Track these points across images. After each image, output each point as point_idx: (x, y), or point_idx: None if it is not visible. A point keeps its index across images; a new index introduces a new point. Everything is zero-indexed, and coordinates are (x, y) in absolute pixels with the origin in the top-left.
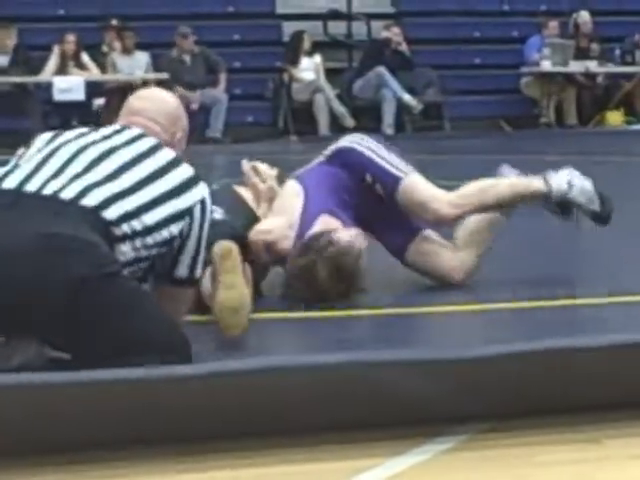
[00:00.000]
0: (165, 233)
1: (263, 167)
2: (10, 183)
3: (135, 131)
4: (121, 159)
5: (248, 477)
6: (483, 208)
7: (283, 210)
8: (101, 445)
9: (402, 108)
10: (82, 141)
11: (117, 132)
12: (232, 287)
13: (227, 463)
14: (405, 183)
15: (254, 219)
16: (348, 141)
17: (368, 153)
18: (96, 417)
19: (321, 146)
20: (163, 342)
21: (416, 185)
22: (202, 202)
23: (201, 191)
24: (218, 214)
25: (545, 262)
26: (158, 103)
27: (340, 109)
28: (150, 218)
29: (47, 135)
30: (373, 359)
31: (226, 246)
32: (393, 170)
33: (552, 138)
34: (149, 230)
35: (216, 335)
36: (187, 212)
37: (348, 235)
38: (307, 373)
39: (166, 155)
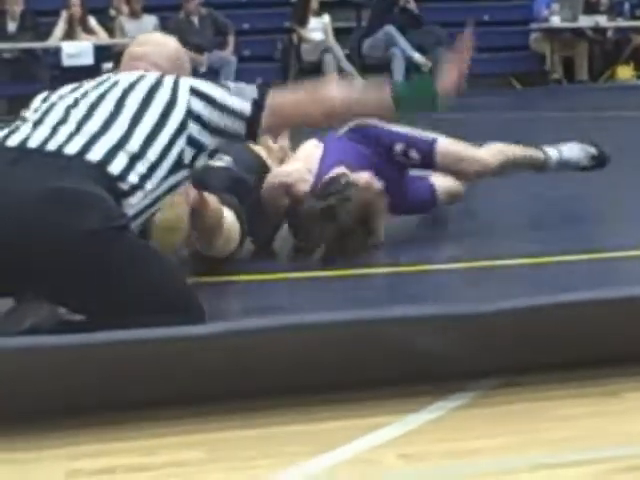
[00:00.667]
0: (174, 153)
1: None
2: (12, 141)
3: (134, 74)
4: (111, 101)
5: (261, 436)
6: (512, 163)
7: (302, 157)
8: (115, 407)
9: (411, 66)
10: (76, 93)
11: (110, 77)
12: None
13: (239, 423)
14: (440, 144)
15: (265, 172)
16: (364, 121)
17: (390, 127)
18: (112, 379)
19: None
20: (174, 300)
21: (451, 144)
22: (191, 91)
23: (184, 88)
24: (223, 162)
25: (559, 220)
26: (159, 47)
27: (349, 69)
28: (152, 153)
29: (43, 94)
30: (385, 316)
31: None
32: (423, 135)
33: (562, 94)
34: (155, 166)
35: (226, 295)
36: (186, 119)
37: (366, 176)
38: (320, 331)
39: (149, 80)
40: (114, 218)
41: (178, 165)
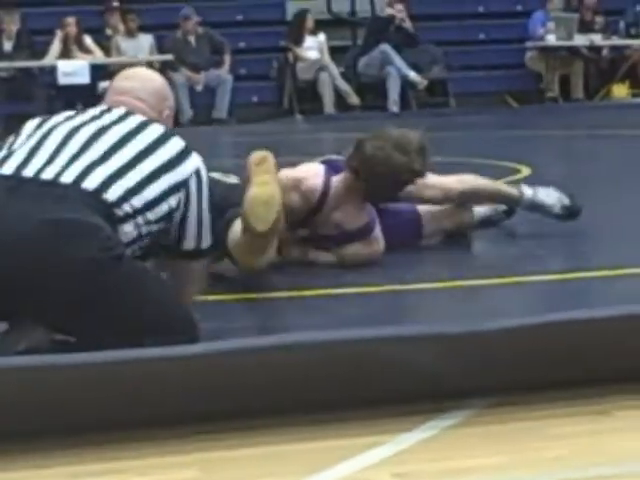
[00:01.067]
0: (164, 207)
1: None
2: (6, 169)
3: (122, 110)
4: (113, 138)
5: (256, 455)
6: (476, 194)
7: (305, 167)
8: (111, 427)
9: (407, 85)
10: (72, 123)
11: (105, 112)
12: (265, 184)
13: (232, 443)
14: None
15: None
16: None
17: None
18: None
19: (326, 125)
20: (170, 323)
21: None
22: (197, 173)
23: (194, 162)
24: (234, 179)
25: (551, 239)
26: (144, 82)
27: (345, 87)
28: (149, 193)
29: (35, 120)
30: (381, 335)
31: (261, 154)
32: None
33: (558, 112)
34: (149, 206)
35: (227, 314)
36: (182, 184)
37: None
38: (317, 350)
39: (157, 130)
40: (110, 248)
41: (168, 216)
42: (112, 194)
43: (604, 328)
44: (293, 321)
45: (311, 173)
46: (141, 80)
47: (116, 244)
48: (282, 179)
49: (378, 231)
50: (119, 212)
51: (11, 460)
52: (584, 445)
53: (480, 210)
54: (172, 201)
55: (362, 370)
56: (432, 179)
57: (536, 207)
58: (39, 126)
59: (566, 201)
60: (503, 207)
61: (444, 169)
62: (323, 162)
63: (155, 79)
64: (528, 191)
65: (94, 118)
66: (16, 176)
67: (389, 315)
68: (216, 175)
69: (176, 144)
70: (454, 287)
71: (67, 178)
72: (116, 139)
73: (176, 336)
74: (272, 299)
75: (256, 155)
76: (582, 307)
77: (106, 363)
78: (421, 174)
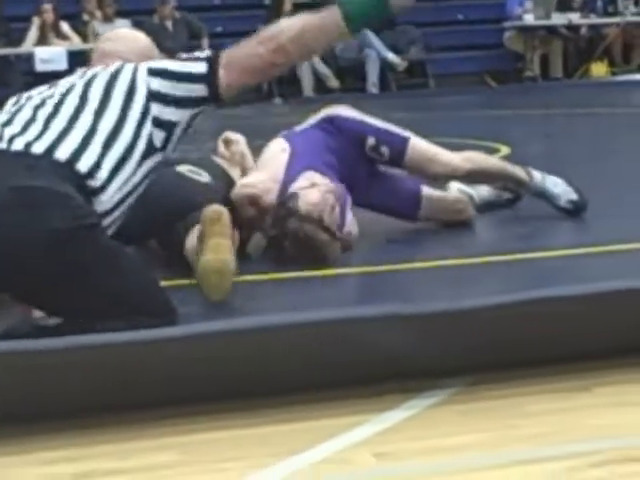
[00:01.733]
0: (143, 138)
1: (232, 135)
2: None
3: (97, 67)
4: (75, 98)
5: (235, 437)
6: (483, 173)
7: (267, 164)
8: (89, 412)
9: (386, 67)
10: (44, 94)
11: (77, 74)
12: (217, 250)
13: (210, 425)
14: (413, 141)
15: (232, 184)
16: (340, 109)
17: (366, 119)
18: (84, 384)
19: (305, 108)
20: (146, 303)
21: (423, 143)
22: (149, 71)
23: (141, 70)
24: (205, 177)
25: (523, 218)
26: (129, 43)
27: (324, 70)
28: (120, 145)
29: (14, 98)
30: (356, 315)
31: (216, 210)
32: (398, 131)
33: (537, 91)
34: (122, 161)
35: (200, 298)
36: (147, 101)
37: (314, 197)
38: (291, 332)
39: (109, 71)
40: (82, 216)
41: (150, 150)
42: (84, 163)
43: (580, 305)
44: (268, 303)
45: (267, 185)
46: (126, 41)
47: (88, 213)
48: (239, 195)
49: (349, 222)
50: (93, 183)
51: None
52: (563, 422)
53: (483, 194)
54: (147, 126)
55: (340, 350)
56: (439, 155)
57: (542, 194)
58: (16, 102)
59: (573, 196)
60: (507, 195)
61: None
62: (287, 137)
63: (139, 39)
64: (537, 176)
65: (64, 83)
66: None
67: (364, 297)
68: (185, 171)
69: (127, 71)
70: (433, 267)
71: (38, 148)
72: (77, 100)
73: (151, 317)
74: (246, 282)
75: (210, 211)
76: (559, 285)
77: (81, 347)
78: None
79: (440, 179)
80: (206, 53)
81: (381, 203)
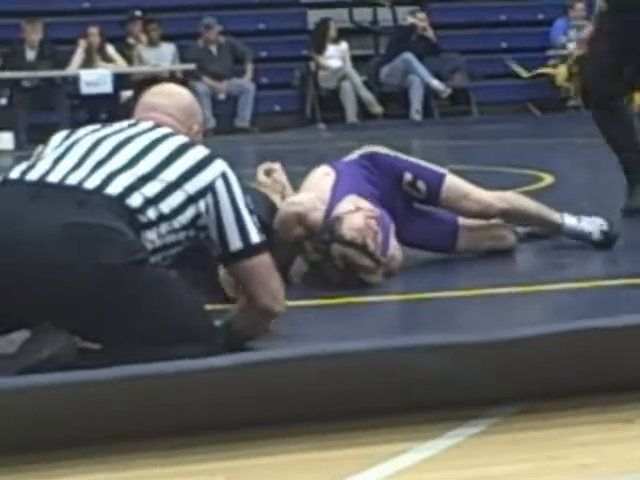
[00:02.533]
0: (189, 213)
1: (273, 164)
2: (32, 176)
3: (150, 123)
4: (138, 146)
5: (281, 462)
6: (518, 214)
7: (313, 187)
8: (133, 437)
9: (429, 94)
10: (98, 134)
11: (132, 125)
12: None
13: (257, 451)
14: (449, 177)
15: (274, 211)
16: (377, 147)
17: (402, 156)
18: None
19: (348, 134)
20: (192, 332)
21: (458, 180)
22: (223, 175)
23: (220, 166)
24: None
25: (562, 247)
26: (173, 98)
27: (367, 96)
28: (172, 200)
29: (63, 133)
30: (404, 344)
31: None
32: (435, 168)
33: (581, 120)
34: (173, 213)
35: None
36: (208, 188)
37: (358, 223)
38: (339, 360)
39: (180, 139)
40: (134, 252)
41: (193, 223)
42: (135, 200)
43: (626, 336)
44: (314, 330)
45: (315, 203)
46: (170, 96)
47: (139, 249)
48: (286, 213)
49: (393, 246)
50: (142, 218)
51: (31, 469)
52: (608, 453)
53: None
54: (199, 206)
55: (385, 379)
56: (474, 192)
57: (577, 235)
58: (66, 137)
59: (604, 226)
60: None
61: (467, 178)
62: (330, 164)
63: (184, 95)
64: (570, 220)
65: (121, 130)
66: (40, 182)
67: (409, 324)
68: None
69: (199, 151)
70: (478, 295)
71: (90, 184)
72: (140, 148)
73: (198, 345)
74: (293, 308)
75: None
76: (607, 315)
77: (130, 377)
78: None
79: (471, 216)
80: (256, 239)
81: (418, 238)
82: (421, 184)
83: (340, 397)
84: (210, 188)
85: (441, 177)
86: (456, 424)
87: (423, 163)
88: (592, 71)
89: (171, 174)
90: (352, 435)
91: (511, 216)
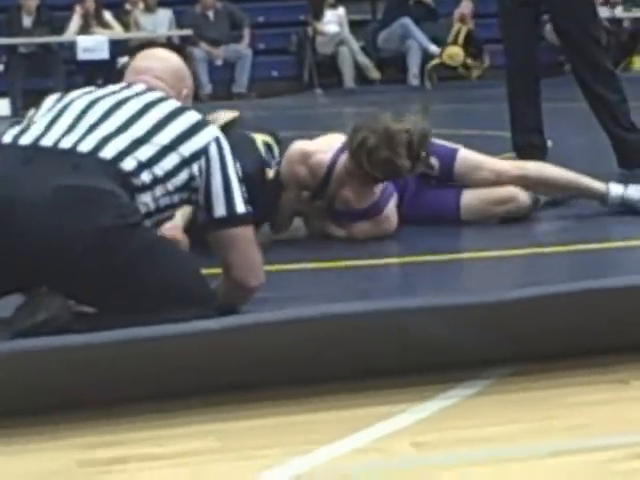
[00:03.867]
0: (183, 176)
1: None
2: (25, 140)
3: (142, 86)
4: (131, 109)
5: (272, 425)
6: (539, 181)
7: (322, 138)
8: (126, 400)
9: (427, 58)
10: (91, 96)
11: (124, 87)
12: None
13: (248, 413)
14: (461, 152)
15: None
16: None
17: None
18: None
19: (346, 99)
20: (187, 294)
21: (471, 153)
22: (217, 140)
23: (213, 131)
24: None
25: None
26: (163, 62)
27: (365, 61)
28: (166, 164)
29: (55, 95)
30: (400, 306)
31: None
32: (447, 144)
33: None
34: (167, 176)
35: None
36: (202, 152)
37: None
38: (334, 322)
39: (173, 103)
40: (128, 214)
41: (186, 186)
42: (128, 164)
43: (620, 298)
44: (310, 292)
45: (322, 147)
46: (160, 60)
47: (133, 211)
48: (293, 151)
49: (390, 209)
50: (136, 182)
51: (25, 433)
52: (603, 413)
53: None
54: (193, 169)
55: (379, 341)
56: (486, 161)
57: (625, 203)
58: (59, 100)
59: None
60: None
61: (467, 142)
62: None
63: (173, 59)
64: (616, 188)
65: (113, 92)
66: (34, 146)
67: (406, 286)
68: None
69: (192, 116)
70: (475, 258)
71: (84, 147)
72: (133, 111)
73: (192, 308)
74: (285, 271)
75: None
76: (603, 277)
77: (121, 341)
78: (406, 171)
79: (490, 186)
80: (242, 210)
81: (422, 210)
82: (434, 160)
83: (334, 359)
84: (204, 152)
85: (453, 152)
86: (451, 386)
87: (435, 140)
88: None
89: (165, 137)
90: (346, 397)
91: (532, 183)
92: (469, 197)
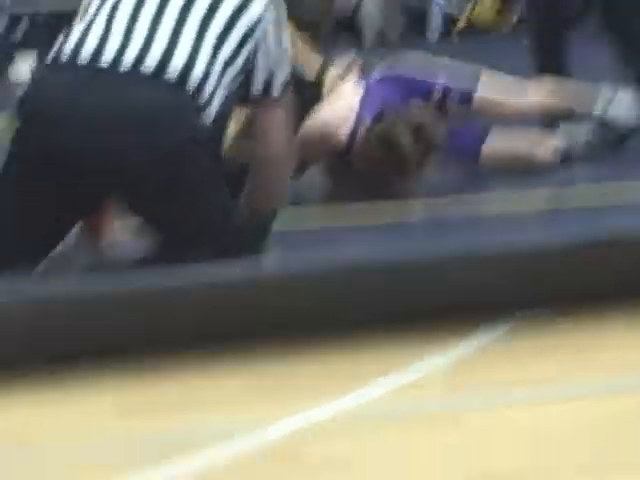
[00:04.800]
0: (239, 61)
1: None
2: (84, 56)
3: None
4: (199, 13)
5: (306, 368)
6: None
7: (338, 101)
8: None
9: (447, 18)
10: None
11: None
12: None
13: (292, 359)
14: (480, 89)
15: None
16: (401, 65)
17: (431, 68)
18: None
19: (366, 55)
20: (230, 232)
21: (491, 91)
22: (268, 10)
23: (259, 7)
24: None
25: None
26: None
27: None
28: (221, 60)
29: None
30: (431, 249)
31: None
32: (465, 78)
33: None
34: (225, 67)
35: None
36: (257, 22)
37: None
38: (362, 267)
39: None
40: (194, 131)
41: (243, 70)
42: (193, 79)
43: None
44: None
45: (337, 125)
46: None
47: (199, 129)
48: (309, 133)
49: None
50: (200, 99)
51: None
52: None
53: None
54: (244, 52)
55: (417, 284)
56: (507, 99)
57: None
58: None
59: None
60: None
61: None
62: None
63: None
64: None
65: None
66: (94, 65)
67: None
68: None
69: None
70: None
71: (148, 64)
72: (179, 8)
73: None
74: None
75: None
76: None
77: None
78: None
79: (513, 121)
80: (277, 93)
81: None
82: (450, 100)
83: (366, 304)
84: (258, 21)
85: (471, 90)
86: (487, 328)
87: (454, 73)
88: None
89: (213, 33)
90: (378, 341)
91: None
92: (494, 133)
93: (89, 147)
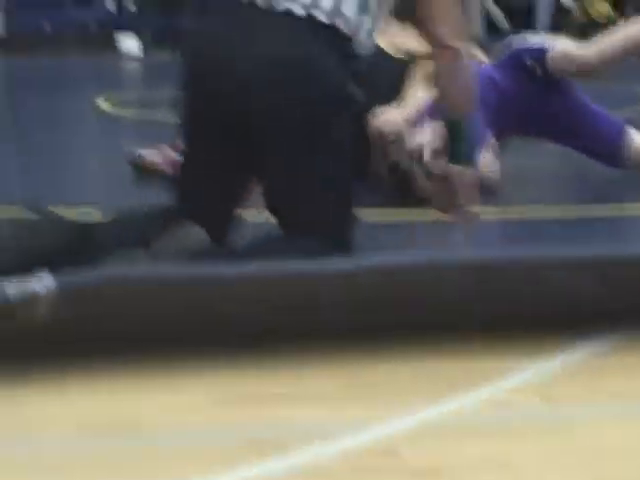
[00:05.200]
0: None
1: None
2: None
3: None
4: None
5: (398, 374)
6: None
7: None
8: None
9: (559, 9)
10: None
11: None
12: None
13: (382, 359)
14: (551, 49)
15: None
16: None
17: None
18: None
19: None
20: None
21: (563, 46)
22: None
23: None
24: None
25: None
26: None
27: (495, 10)
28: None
29: None
30: (536, 257)
31: None
32: (539, 39)
33: None
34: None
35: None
36: None
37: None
38: (464, 269)
39: None
40: (341, 87)
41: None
42: (345, 26)
43: None
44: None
45: (396, 128)
46: None
47: (346, 84)
48: (376, 128)
49: (488, 162)
50: (354, 45)
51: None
52: None
53: None
54: None
55: (514, 291)
56: (578, 54)
57: None
58: None
59: None
60: None
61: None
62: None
63: None
64: None
65: None
66: (249, 4)
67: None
68: None
69: None
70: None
71: (300, 9)
72: None
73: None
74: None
75: None
76: None
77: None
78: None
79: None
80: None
81: (580, 141)
82: (531, 62)
83: (457, 309)
84: None
85: (543, 49)
86: (585, 340)
87: (536, 39)
88: None
89: None
90: (476, 348)
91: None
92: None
93: (255, 87)
